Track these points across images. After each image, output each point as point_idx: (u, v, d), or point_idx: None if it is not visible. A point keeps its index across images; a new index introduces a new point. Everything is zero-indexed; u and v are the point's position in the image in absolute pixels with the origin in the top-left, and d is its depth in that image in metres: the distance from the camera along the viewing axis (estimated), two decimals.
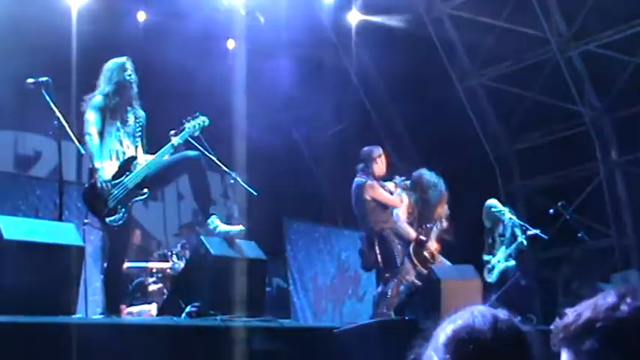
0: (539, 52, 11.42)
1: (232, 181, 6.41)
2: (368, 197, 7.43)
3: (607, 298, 1.74)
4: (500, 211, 8.74)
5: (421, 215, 7.84)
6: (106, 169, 5.67)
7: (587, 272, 10.77)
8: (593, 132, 11.35)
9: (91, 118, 5.71)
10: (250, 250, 6.01)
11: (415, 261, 7.58)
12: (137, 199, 5.78)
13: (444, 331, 1.80)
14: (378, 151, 7.64)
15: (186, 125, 5.90)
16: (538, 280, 11.34)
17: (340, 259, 9.70)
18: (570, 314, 1.76)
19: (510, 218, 8.74)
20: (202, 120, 5.96)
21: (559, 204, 9.23)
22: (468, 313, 1.85)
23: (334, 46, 12.12)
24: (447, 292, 6.76)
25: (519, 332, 1.83)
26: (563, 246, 10.64)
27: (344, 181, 12.77)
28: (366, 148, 7.66)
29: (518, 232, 8.67)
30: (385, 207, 7.50)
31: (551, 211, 9.27)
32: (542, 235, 9.22)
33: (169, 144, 5.84)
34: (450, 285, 6.87)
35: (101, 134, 5.76)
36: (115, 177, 5.67)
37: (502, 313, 1.87)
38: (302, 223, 9.61)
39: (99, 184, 5.57)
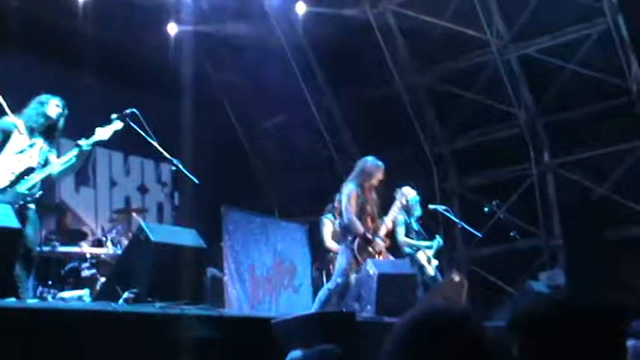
0: (479, 53, 11.65)
1: (174, 168, 6.34)
2: None
3: (561, 294, 1.82)
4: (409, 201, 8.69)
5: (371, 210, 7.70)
6: None
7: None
8: (527, 134, 11.64)
9: None
10: (190, 237, 5.97)
11: (359, 258, 7.43)
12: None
13: (403, 320, 1.84)
14: None
15: (97, 130, 5.96)
16: (469, 277, 11.58)
17: (276, 250, 9.69)
18: (526, 306, 1.83)
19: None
20: (116, 126, 6.02)
21: (493, 203, 9.45)
22: (425, 304, 1.91)
23: (278, 37, 12.09)
24: (384, 285, 6.84)
25: (473, 322, 1.88)
26: (496, 244, 10.92)
27: (282, 173, 12.87)
28: None
29: (414, 225, 8.74)
30: None
31: (485, 209, 9.48)
32: (476, 233, 9.44)
33: (75, 147, 5.92)
34: (386, 278, 6.95)
35: None
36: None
37: (456, 306, 1.93)
38: (240, 213, 9.56)
39: None
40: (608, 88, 10.84)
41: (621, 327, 1.86)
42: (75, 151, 5.89)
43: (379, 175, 7.66)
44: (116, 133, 6.02)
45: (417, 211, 8.85)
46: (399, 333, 1.81)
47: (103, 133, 5.94)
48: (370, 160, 7.75)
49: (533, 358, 1.79)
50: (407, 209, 8.63)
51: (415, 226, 8.78)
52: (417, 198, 8.75)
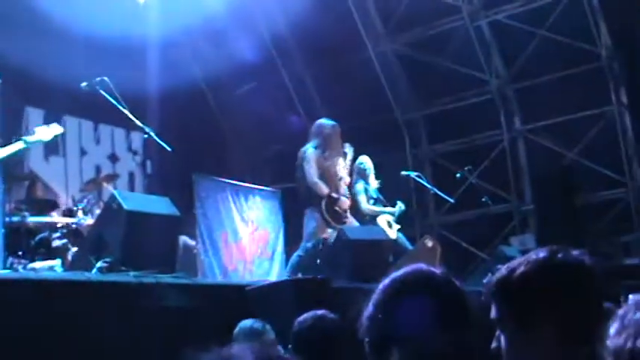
0: (450, 19, 11.63)
1: (146, 136, 6.28)
2: None
3: (539, 254, 1.82)
4: (367, 170, 8.81)
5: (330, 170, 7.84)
6: None
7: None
8: (498, 100, 11.69)
9: None
10: (164, 206, 5.93)
11: (328, 218, 7.58)
12: None
13: (384, 284, 1.85)
14: None
15: (39, 129, 6.06)
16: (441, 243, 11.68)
17: (249, 217, 9.65)
18: (504, 270, 1.83)
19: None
20: (57, 130, 6.13)
21: (465, 169, 9.50)
22: (405, 268, 1.91)
23: (248, 6, 11.94)
24: (358, 252, 6.87)
25: (453, 283, 1.89)
26: (467, 210, 11.00)
27: (253, 141, 12.81)
28: None
29: (373, 192, 8.81)
30: None
31: (458, 175, 9.54)
32: (448, 199, 9.50)
33: (23, 141, 5.95)
34: (361, 245, 6.98)
35: None
36: None
37: (436, 269, 1.94)
38: (211, 181, 9.48)
39: None
40: (578, 54, 10.90)
41: (599, 288, 1.87)
42: (20, 145, 5.88)
43: (335, 135, 7.84)
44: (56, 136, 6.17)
45: (377, 179, 8.92)
46: (380, 296, 1.82)
47: (45, 133, 6.03)
48: (324, 122, 8.06)
49: (512, 320, 1.80)
50: (364, 177, 8.74)
51: (374, 193, 8.84)
52: (371, 167, 8.83)
